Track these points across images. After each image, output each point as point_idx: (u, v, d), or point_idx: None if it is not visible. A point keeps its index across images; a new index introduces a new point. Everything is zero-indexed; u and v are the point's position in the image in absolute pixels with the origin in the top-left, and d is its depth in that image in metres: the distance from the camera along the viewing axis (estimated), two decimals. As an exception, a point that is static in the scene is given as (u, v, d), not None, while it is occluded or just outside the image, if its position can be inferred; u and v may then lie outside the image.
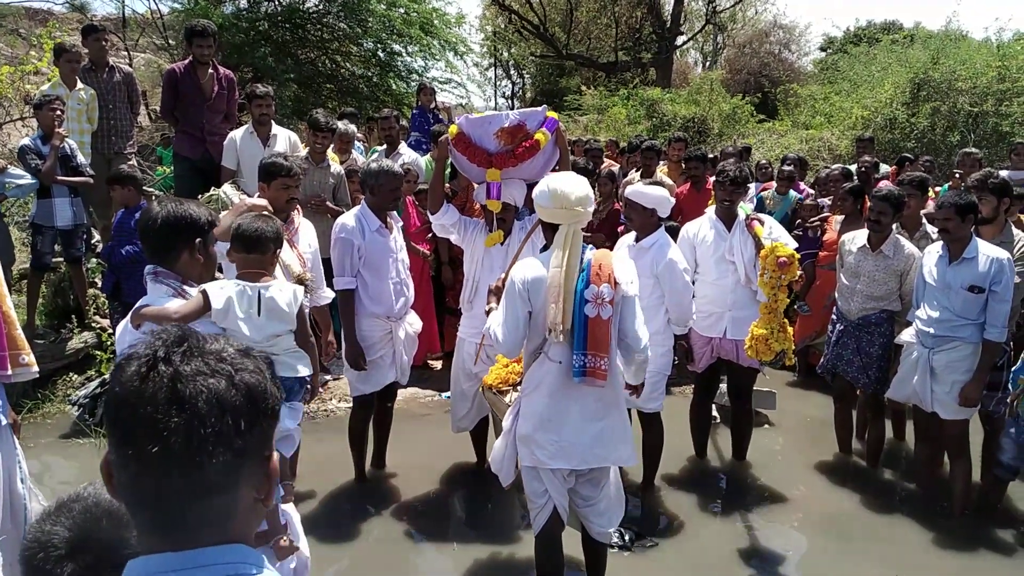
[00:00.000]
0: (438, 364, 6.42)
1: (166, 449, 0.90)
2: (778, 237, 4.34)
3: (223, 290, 2.34)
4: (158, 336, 0.98)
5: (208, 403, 0.92)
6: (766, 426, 5.52)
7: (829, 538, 4.12)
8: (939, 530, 4.11)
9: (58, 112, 5.70)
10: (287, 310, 2.47)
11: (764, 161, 9.11)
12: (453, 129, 4.11)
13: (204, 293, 2.30)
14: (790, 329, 4.27)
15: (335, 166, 5.96)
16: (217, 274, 2.61)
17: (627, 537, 3.89)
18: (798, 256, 4.24)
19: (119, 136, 6.77)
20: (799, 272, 4.29)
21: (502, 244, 4.17)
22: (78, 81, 6.47)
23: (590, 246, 3.11)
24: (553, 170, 4.00)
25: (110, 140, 6.71)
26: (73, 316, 6.01)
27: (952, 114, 11.83)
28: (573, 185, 3.01)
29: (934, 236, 5.11)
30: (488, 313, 3.25)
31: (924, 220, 5.34)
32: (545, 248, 3.12)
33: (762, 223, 4.44)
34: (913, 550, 3.98)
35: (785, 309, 4.29)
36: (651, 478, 4.53)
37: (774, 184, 7.41)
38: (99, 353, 5.81)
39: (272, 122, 6.05)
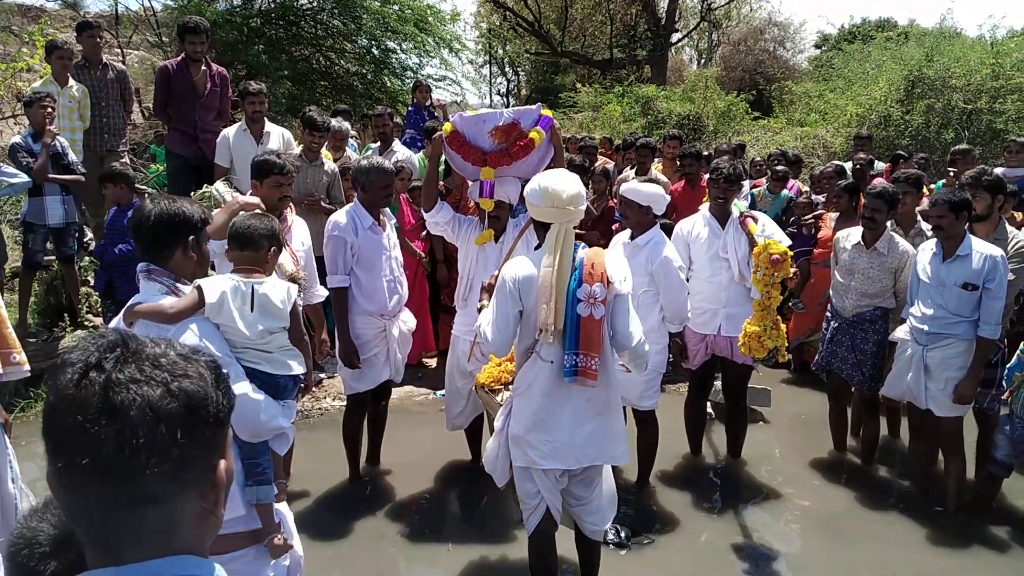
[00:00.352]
0: (433, 362, 6.40)
1: (97, 460, 0.86)
2: (771, 234, 4.34)
3: (217, 285, 2.33)
4: (93, 340, 0.94)
5: (141, 411, 0.88)
6: (761, 423, 5.53)
7: (824, 535, 4.12)
8: (934, 527, 4.12)
9: (49, 110, 5.66)
10: (280, 307, 2.45)
11: (759, 158, 9.10)
12: (447, 127, 4.09)
13: (199, 288, 2.29)
14: (783, 326, 4.27)
15: (329, 164, 5.94)
16: (210, 272, 2.59)
17: (623, 534, 3.90)
18: (791, 253, 4.24)
19: (112, 134, 6.74)
20: (793, 269, 4.30)
21: (496, 242, 4.16)
22: (70, 78, 6.43)
23: (582, 244, 3.09)
24: (548, 167, 3.99)
25: (103, 138, 6.68)
26: (66, 315, 5.99)
27: (946, 111, 11.86)
28: (564, 183, 2.99)
29: (929, 233, 5.12)
30: (480, 310, 3.25)
31: (919, 217, 5.35)
32: (539, 247, 3.11)
33: (755, 220, 4.44)
34: (908, 547, 3.98)
35: (780, 306, 4.29)
36: (646, 475, 4.53)
37: (764, 181, 7.39)
38: (92, 352, 5.79)
39: (265, 119, 6.03)
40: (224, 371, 1.02)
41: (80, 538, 0.94)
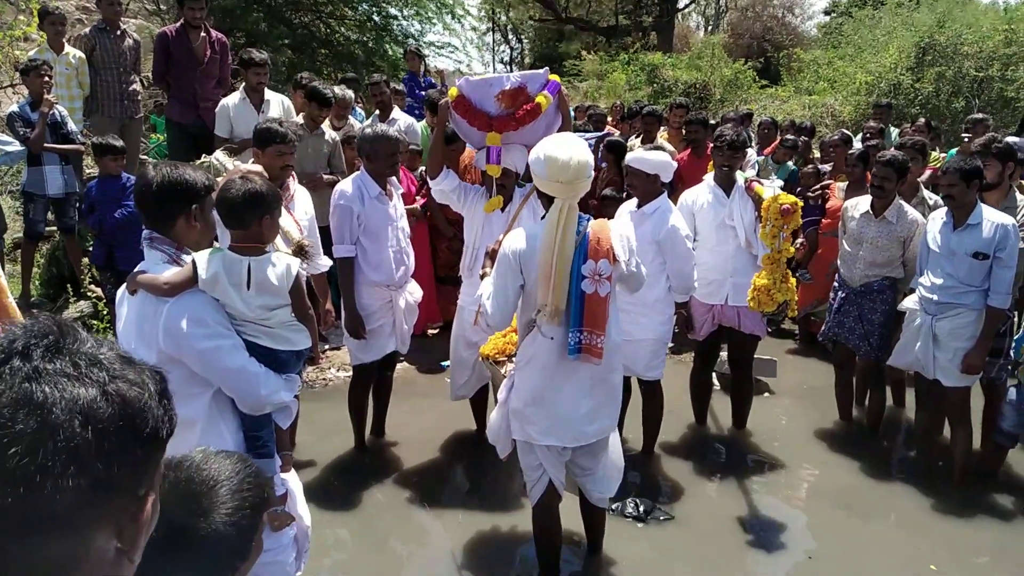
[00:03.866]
0: (436, 332, 6.39)
1: (2, 462, 0.72)
2: (778, 191, 4.29)
3: (211, 261, 2.25)
4: (24, 326, 0.81)
5: (67, 411, 0.74)
6: (766, 394, 5.52)
7: (829, 505, 4.12)
8: (938, 496, 4.12)
9: (46, 78, 5.58)
10: (277, 284, 2.35)
11: (766, 118, 8.88)
12: (453, 92, 4.03)
13: (193, 263, 2.24)
14: (792, 280, 4.24)
15: (329, 133, 5.88)
16: (215, 243, 2.52)
17: (642, 508, 3.89)
18: (801, 203, 4.20)
19: (131, 100, 6.64)
20: (800, 240, 4.26)
21: (503, 211, 4.11)
22: (65, 45, 6.34)
23: (588, 217, 2.99)
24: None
25: (123, 104, 6.56)
26: (68, 285, 5.97)
27: (957, 79, 11.69)
28: (570, 151, 2.84)
29: (931, 202, 5.06)
30: (482, 277, 3.19)
31: (921, 186, 5.29)
32: (545, 217, 3.04)
33: (761, 184, 4.39)
34: (913, 516, 3.99)
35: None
36: (651, 446, 4.53)
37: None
38: (95, 322, 5.78)
39: (265, 88, 5.94)
40: (169, 387, 0.88)
41: None
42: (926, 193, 5.22)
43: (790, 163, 7.09)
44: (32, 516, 0.73)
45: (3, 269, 3.18)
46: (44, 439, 0.73)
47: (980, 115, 7.14)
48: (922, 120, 8.23)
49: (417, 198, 5.97)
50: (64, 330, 0.82)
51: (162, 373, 0.88)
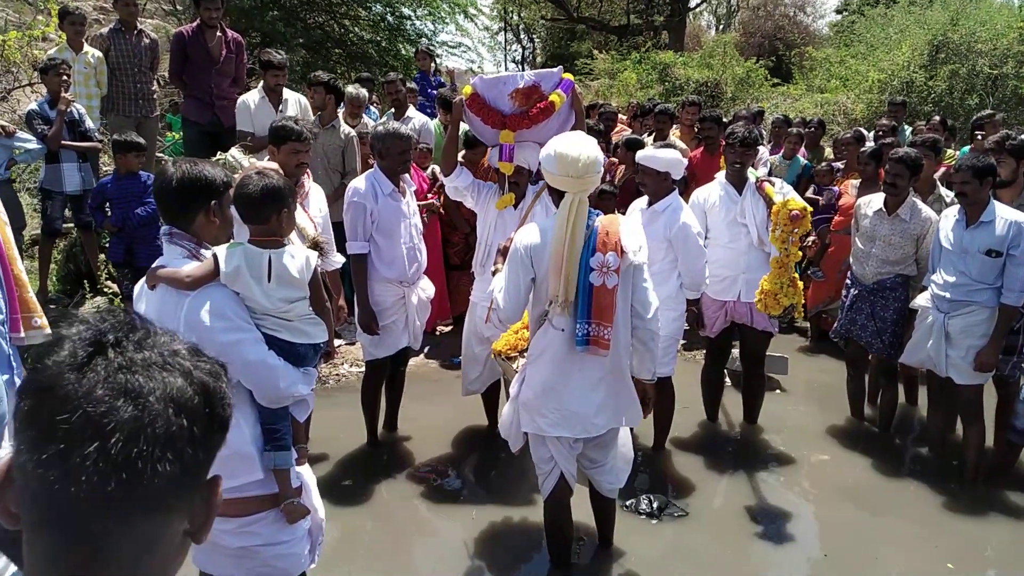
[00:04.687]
0: (447, 329, 6.42)
1: (104, 449, 0.74)
2: (788, 194, 4.30)
3: (232, 254, 2.29)
4: (104, 317, 0.84)
5: (162, 400, 0.78)
6: (778, 391, 5.51)
7: (843, 503, 4.12)
8: (951, 495, 4.11)
9: (64, 77, 5.66)
10: (298, 276, 2.39)
11: (779, 116, 8.87)
12: (467, 90, 4.06)
13: (214, 256, 2.27)
14: (800, 284, 4.25)
15: (344, 128, 5.92)
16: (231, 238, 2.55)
17: (655, 505, 3.91)
18: (811, 209, 4.21)
19: (147, 100, 6.70)
20: (812, 237, 4.26)
21: (515, 208, 4.14)
22: (84, 44, 6.41)
23: (598, 212, 3.05)
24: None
25: (138, 103, 6.62)
26: (85, 281, 6.04)
27: (971, 77, 11.61)
28: (580, 148, 2.92)
29: (947, 199, 5.04)
30: (495, 273, 3.24)
31: (938, 183, 5.27)
32: None
33: (772, 184, 4.40)
34: (926, 514, 3.98)
35: (800, 274, 4.25)
36: (662, 442, 4.55)
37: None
38: (112, 318, 5.85)
39: (283, 88, 6.00)
40: (227, 375, 0.92)
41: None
42: (943, 190, 5.20)
43: (801, 157, 7.08)
44: (130, 500, 0.76)
45: (22, 264, 3.22)
46: (144, 426, 0.76)
47: (988, 110, 7.08)
48: (937, 118, 8.18)
49: (429, 196, 6.00)
50: (140, 323, 0.85)
51: (225, 365, 0.91)
